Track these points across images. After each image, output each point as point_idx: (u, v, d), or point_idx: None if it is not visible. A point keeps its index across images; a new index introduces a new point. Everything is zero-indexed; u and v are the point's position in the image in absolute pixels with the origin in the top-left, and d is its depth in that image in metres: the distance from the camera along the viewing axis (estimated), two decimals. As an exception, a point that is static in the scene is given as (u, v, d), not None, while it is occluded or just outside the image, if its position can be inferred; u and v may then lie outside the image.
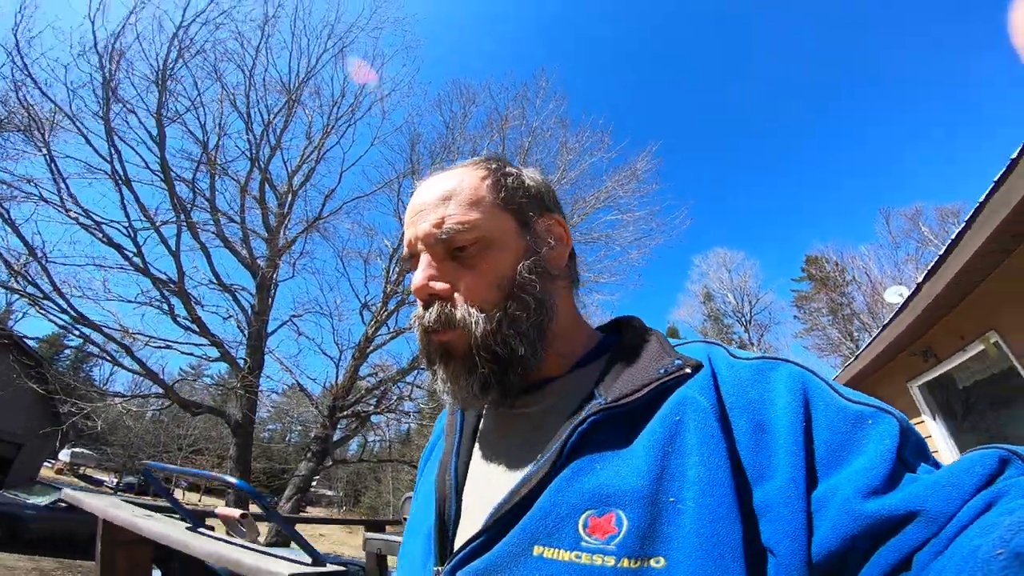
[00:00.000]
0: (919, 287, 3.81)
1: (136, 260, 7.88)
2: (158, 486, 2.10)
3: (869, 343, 5.02)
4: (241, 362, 9.16)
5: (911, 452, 0.39)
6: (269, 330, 9.94)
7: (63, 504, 9.87)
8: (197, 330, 8.58)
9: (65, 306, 7.19)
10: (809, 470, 0.38)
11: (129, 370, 8.44)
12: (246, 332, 9.43)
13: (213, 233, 8.96)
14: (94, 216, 7.59)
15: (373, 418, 11.79)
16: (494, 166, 0.58)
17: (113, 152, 7.71)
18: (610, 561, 0.36)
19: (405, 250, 0.57)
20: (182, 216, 8.09)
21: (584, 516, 0.39)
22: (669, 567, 0.35)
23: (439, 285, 0.52)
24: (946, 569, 0.30)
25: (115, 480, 26.22)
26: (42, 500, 10.35)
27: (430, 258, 0.53)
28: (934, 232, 22.28)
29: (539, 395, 0.54)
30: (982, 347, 3.67)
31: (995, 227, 2.83)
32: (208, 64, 8.72)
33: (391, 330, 11.48)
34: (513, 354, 0.50)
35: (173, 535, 1.55)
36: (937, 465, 0.39)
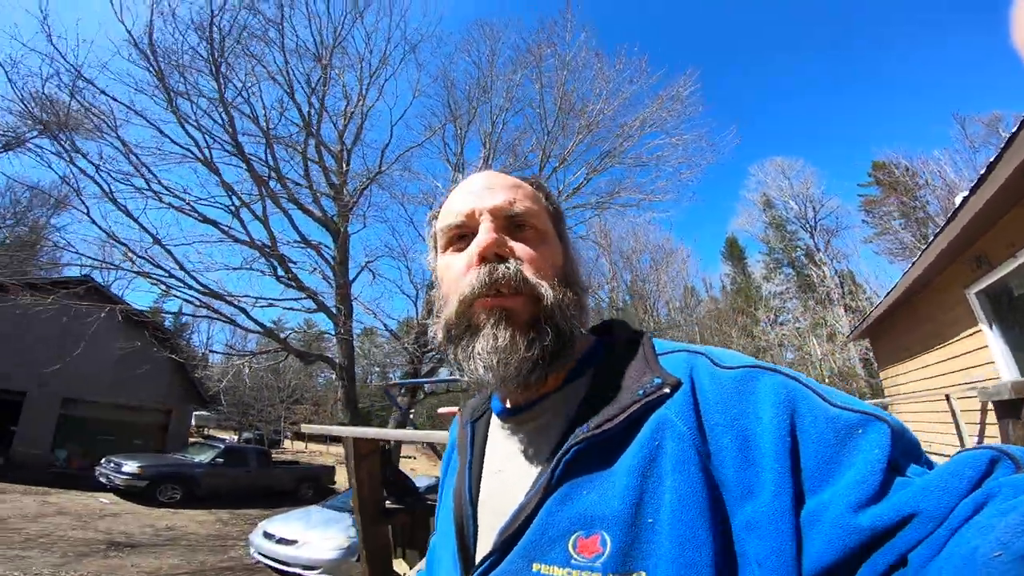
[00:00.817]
0: (966, 200, 3.89)
1: (235, 233, 9.03)
2: (395, 402, 3.02)
3: (923, 251, 5.09)
4: (334, 310, 10.38)
5: (903, 456, 0.39)
6: (351, 278, 11.10)
7: (220, 460, 11.48)
8: (295, 286, 9.79)
9: (191, 282, 8.46)
10: (797, 485, 0.38)
11: (248, 330, 9.85)
12: (333, 283, 10.60)
13: (286, 199, 9.88)
14: (184, 198, 8.62)
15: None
16: (534, 182, 0.63)
17: (190, 139, 8.59)
18: None
19: (461, 218, 0.56)
20: (264, 189, 9.00)
21: (573, 537, 0.42)
22: None
23: (506, 247, 0.54)
24: (944, 570, 0.30)
25: (235, 437, 29.34)
26: (205, 458, 11.45)
27: (494, 226, 0.55)
28: (1016, 139, 19.78)
29: (536, 411, 0.56)
30: (1029, 255, 3.77)
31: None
32: (243, 48, 9.11)
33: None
34: (567, 336, 0.52)
35: (418, 436, 2.34)
36: (930, 465, 0.39)
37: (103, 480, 10.02)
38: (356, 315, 10.87)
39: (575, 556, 0.42)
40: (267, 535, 6.36)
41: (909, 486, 0.35)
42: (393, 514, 2.57)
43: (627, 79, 11.18)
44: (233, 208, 8.92)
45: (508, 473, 0.55)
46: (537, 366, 0.50)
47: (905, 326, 6.89)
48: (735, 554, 0.39)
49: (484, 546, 0.52)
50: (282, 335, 10.53)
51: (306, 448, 31.01)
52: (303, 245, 10.06)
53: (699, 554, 0.38)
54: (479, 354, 0.51)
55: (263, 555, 6.20)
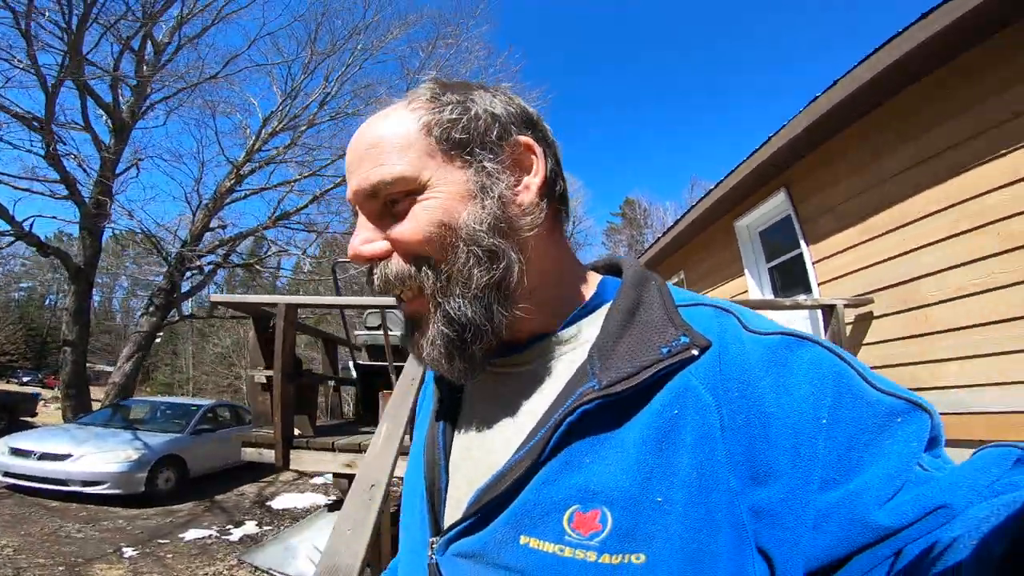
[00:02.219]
0: (654, 243, 6.76)
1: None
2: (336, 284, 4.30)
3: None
4: (89, 203, 8.81)
5: (932, 448, 0.36)
6: (119, 171, 9.53)
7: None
8: (55, 166, 7.99)
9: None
10: (826, 471, 0.35)
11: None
12: (93, 175, 8.92)
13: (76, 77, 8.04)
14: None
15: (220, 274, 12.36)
16: (428, 95, 0.46)
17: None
18: (591, 556, 0.36)
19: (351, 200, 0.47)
20: (72, 64, 7.33)
21: (570, 511, 0.38)
22: (650, 563, 0.35)
23: (370, 249, 0.45)
24: (923, 552, 0.29)
25: None
26: None
27: (366, 218, 0.46)
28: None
29: (528, 354, 0.48)
30: (676, 279, 6.87)
31: (690, 221, 5.64)
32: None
33: (251, 189, 12.00)
34: (468, 320, 0.43)
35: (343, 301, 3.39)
36: (938, 455, 0.36)
37: None
38: (121, 220, 9.45)
39: (570, 532, 0.37)
40: (19, 452, 5.68)
41: (931, 480, 0.33)
42: (297, 378, 3.40)
43: (497, 78, 12.69)
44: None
45: (491, 424, 0.48)
46: (452, 356, 0.44)
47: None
48: (757, 536, 0.36)
49: (455, 504, 0.47)
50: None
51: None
52: (79, 128, 8.27)
53: (717, 541, 0.35)
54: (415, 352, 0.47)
55: (14, 475, 5.55)
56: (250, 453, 3.37)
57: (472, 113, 0.46)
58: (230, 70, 10.41)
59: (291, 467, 3.23)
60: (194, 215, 11.40)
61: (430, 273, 0.44)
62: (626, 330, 0.43)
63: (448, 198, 0.44)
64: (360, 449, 3.14)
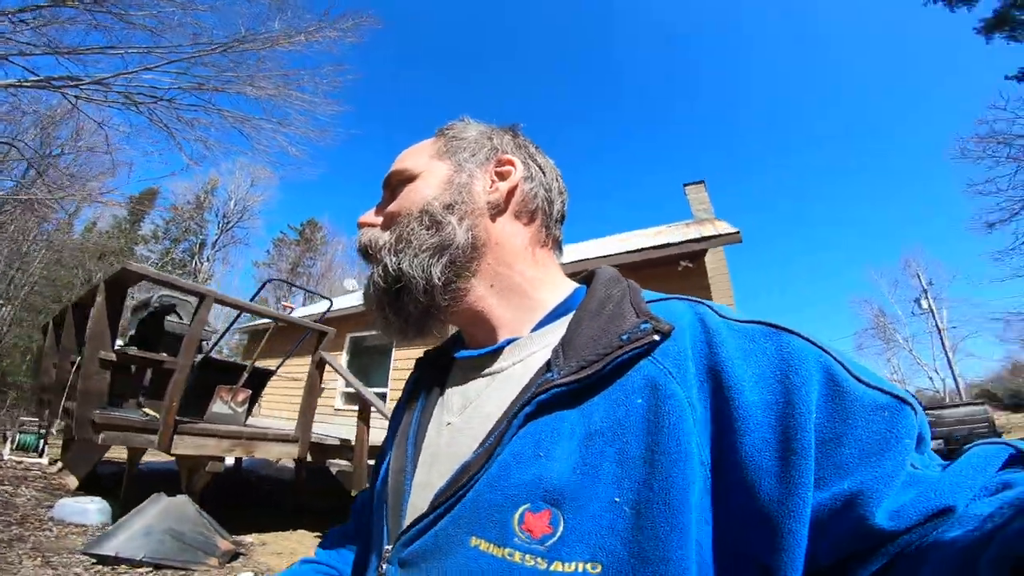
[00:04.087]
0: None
1: None
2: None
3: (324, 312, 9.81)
4: None
5: (920, 444, 0.35)
6: None
7: None
8: None
9: None
10: (819, 469, 0.33)
11: None
12: None
13: None
14: None
15: None
16: (450, 123, 0.61)
17: None
18: (542, 564, 0.33)
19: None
20: None
21: (520, 510, 0.36)
22: (605, 574, 0.32)
23: (367, 218, 0.58)
24: (934, 558, 0.28)
25: None
26: None
27: (379, 202, 0.59)
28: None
29: (496, 356, 0.50)
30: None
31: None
32: None
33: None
34: (401, 272, 0.49)
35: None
36: (924, 453, 0.35)
37: None
38: None
39: (519, 534, 0.35)
40: None
41: (929, 481, 0.31)
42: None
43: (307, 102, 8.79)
44: None
45: (459, 426, 0.47)
46: (383, 305, 0.52)
47: (279, 340, 10.84)
48: (743, 542, 0.33)
49: (415, 509, 0.44)
50: None
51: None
52: None
53: (684, 549, 0.32)
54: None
55: None
56: (112, 437, 3.32)
57: (467, 134, 0.58)
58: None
59: (172, 452, 3.49)
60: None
61: (387, 235, 0.54)
62: (590, 325, 0.43)
63: (426, 183, 0.54)
64: (242, 436, 3.80)
